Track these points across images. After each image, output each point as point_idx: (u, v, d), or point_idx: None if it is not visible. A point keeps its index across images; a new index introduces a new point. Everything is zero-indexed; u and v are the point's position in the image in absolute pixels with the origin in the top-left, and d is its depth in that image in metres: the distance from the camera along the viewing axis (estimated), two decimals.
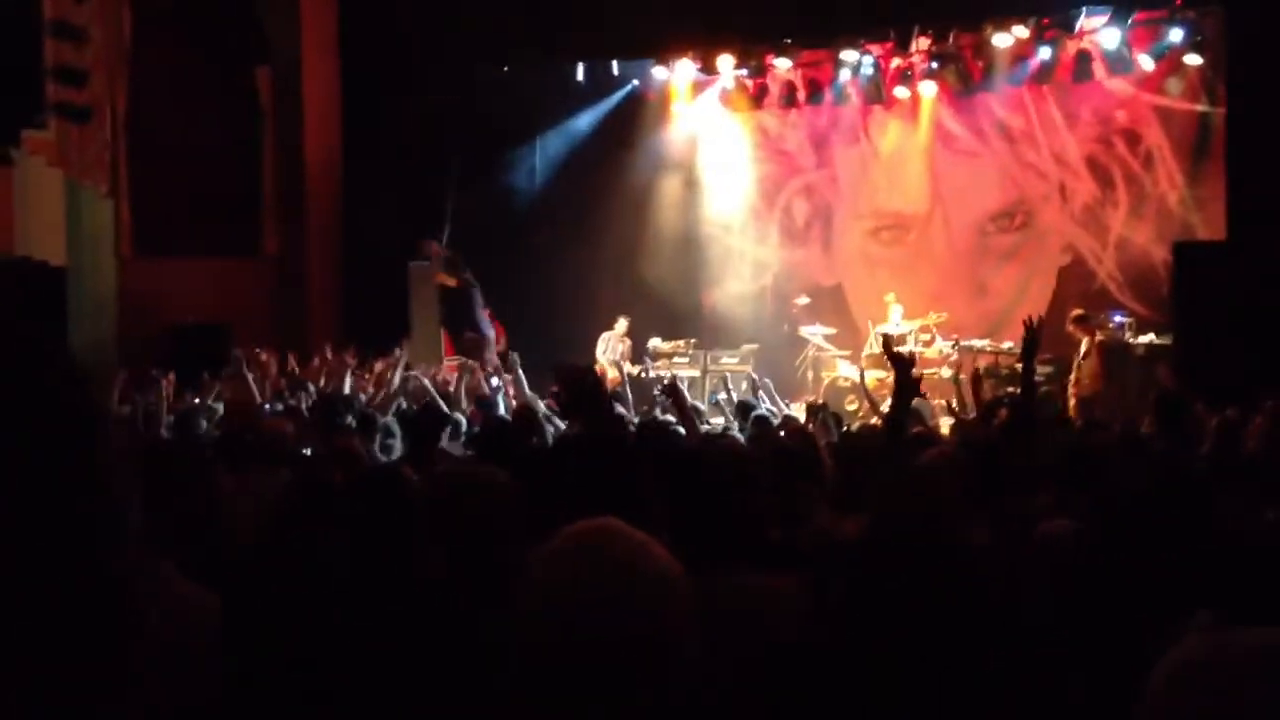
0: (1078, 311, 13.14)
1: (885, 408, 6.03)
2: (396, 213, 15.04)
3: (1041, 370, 12.49)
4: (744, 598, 3.30)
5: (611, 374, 14.68)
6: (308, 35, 16.03)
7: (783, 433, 6.82)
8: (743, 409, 9.01)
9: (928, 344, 14.26)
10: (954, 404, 8.79)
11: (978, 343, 14.09)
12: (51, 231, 14.72)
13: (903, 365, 5.34)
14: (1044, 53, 14.67)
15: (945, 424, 10.39)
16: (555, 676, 1.60)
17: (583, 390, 4.28)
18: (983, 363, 13.80)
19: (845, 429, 7.46)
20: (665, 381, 9.06)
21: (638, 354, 15.13)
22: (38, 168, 14.52)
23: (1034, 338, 5.00)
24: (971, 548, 2.61)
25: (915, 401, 6.13)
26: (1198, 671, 1.29)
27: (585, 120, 16.53)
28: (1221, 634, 1.32)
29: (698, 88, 16.63)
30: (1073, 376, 12.74)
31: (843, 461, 4.71)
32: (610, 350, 15.08)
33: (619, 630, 1.59)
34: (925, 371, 14.05)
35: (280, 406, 7.87)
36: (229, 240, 16.01)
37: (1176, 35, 13.95)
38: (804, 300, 15.17)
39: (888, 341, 7.49)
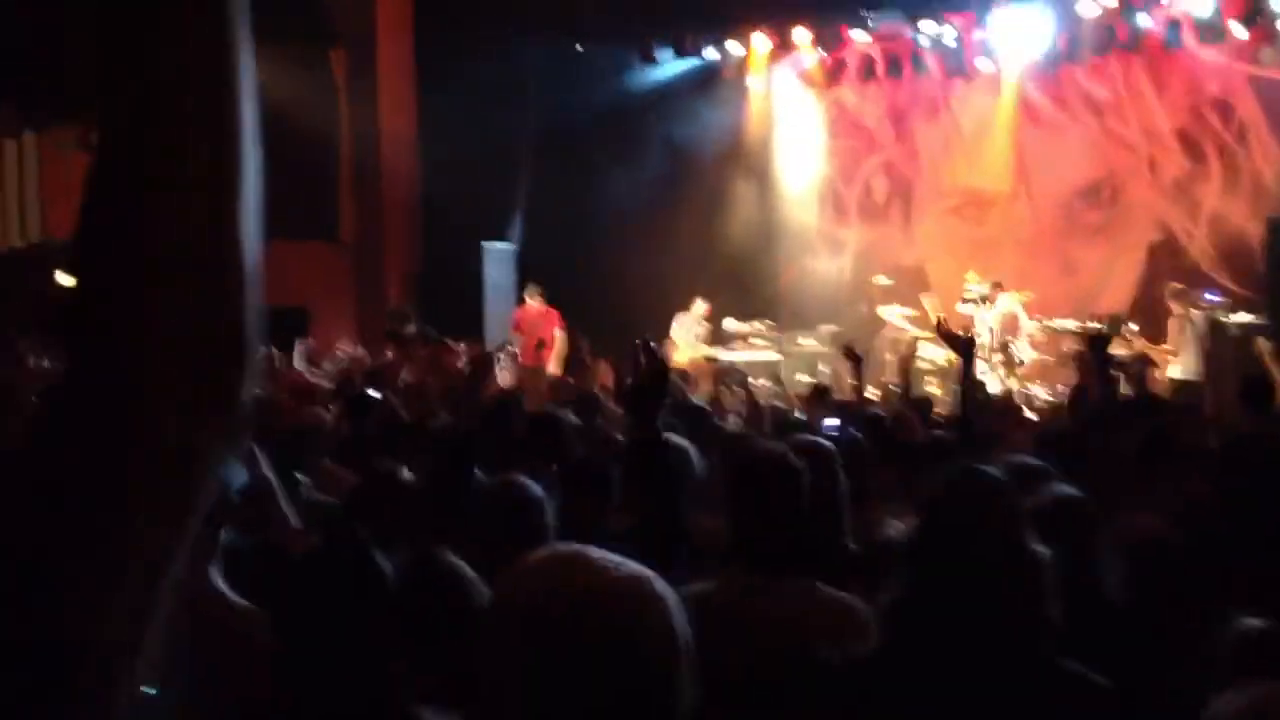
0: (1176, 285, 12.76)
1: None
2: (472, 194, 15.00)
3: (1129, 352, 12.14)
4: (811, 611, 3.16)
5: (687, 356, 14.53)
6: (381, 16, 16.06)
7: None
8: (818, 394, 8.78)
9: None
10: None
11: (1063, 323, 13.69)
12: None
13: (962, 348, 5.13)
14: (1132, 21, 14.20)
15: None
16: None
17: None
18: (1069, 343, 13.45)
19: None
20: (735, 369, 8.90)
21: (716, 337, 14.96)
22: None
23: (1108, 331, 4.75)
24: (1033, 552, 2.42)
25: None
26: None
27: (659, 96, 16.34)
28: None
29: (774, 63, 16.36)
30: (1164, 351, 12.37)
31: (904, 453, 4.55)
32: (687, 332, 14.89)
33: (581, 676, 1.44)
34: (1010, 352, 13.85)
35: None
36: (305, 224, 16.09)
37: (1271, 1, 13.40)
38: (883, 280, 14.87)
39: (940, 324, 7.28)
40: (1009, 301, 13.49)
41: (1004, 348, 12.79)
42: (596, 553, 1.53)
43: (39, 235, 14.43)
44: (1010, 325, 13.22)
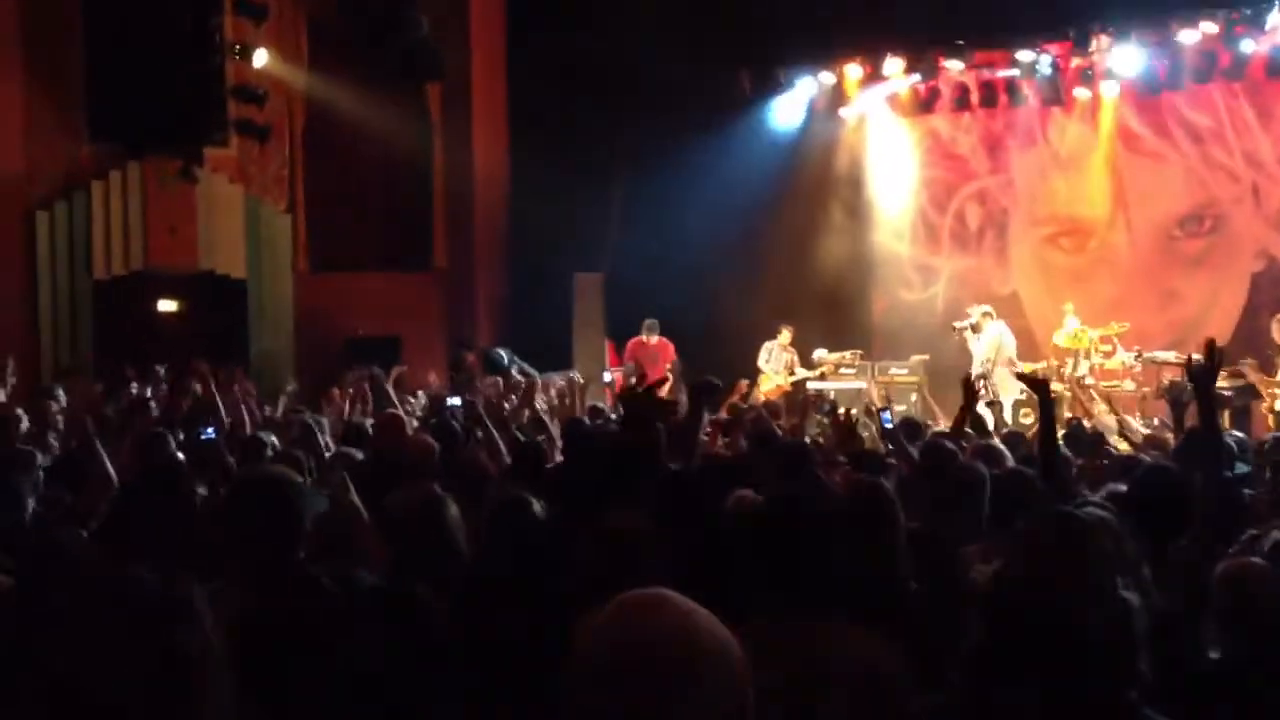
0: None
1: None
2: (562, 225, 15.10)
3: (1232, 384, 11.82)
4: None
5: (773, 384, 14.48)
6: (477, 52, 16.28)
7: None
8: (909, 429, 8.60)
9: (1109, 355, 13.64)
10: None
11: (1162, 354, 13.38)
12: (233, 246, 15.28)
13: (1040, 390, 5.00)
14: (1235, 48, 13.87)
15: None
16: None
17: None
18: (1169, 375, 13.15)
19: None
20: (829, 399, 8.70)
21: (802, 364, 14.89)
22: (220, 185, 15.09)
23: (1213, 362, 4.48)
24: (1122, 600, 2.35)
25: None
26: None
27: (750, 126, 16.30)
28: None
29: (866, 92, 16.25)
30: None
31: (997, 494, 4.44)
32: (774, 360, 14.84)
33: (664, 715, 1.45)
34: (1106, 385, 13.56)
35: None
36: (400, 254, 16.34)
37: None
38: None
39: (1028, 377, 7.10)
40: (998, 330, 13.52)
41: (984, 376, 12.77)
42: (675, 598, 1.54)
43: (142, 263, 14.78)
44: (996, 357, 13.23)
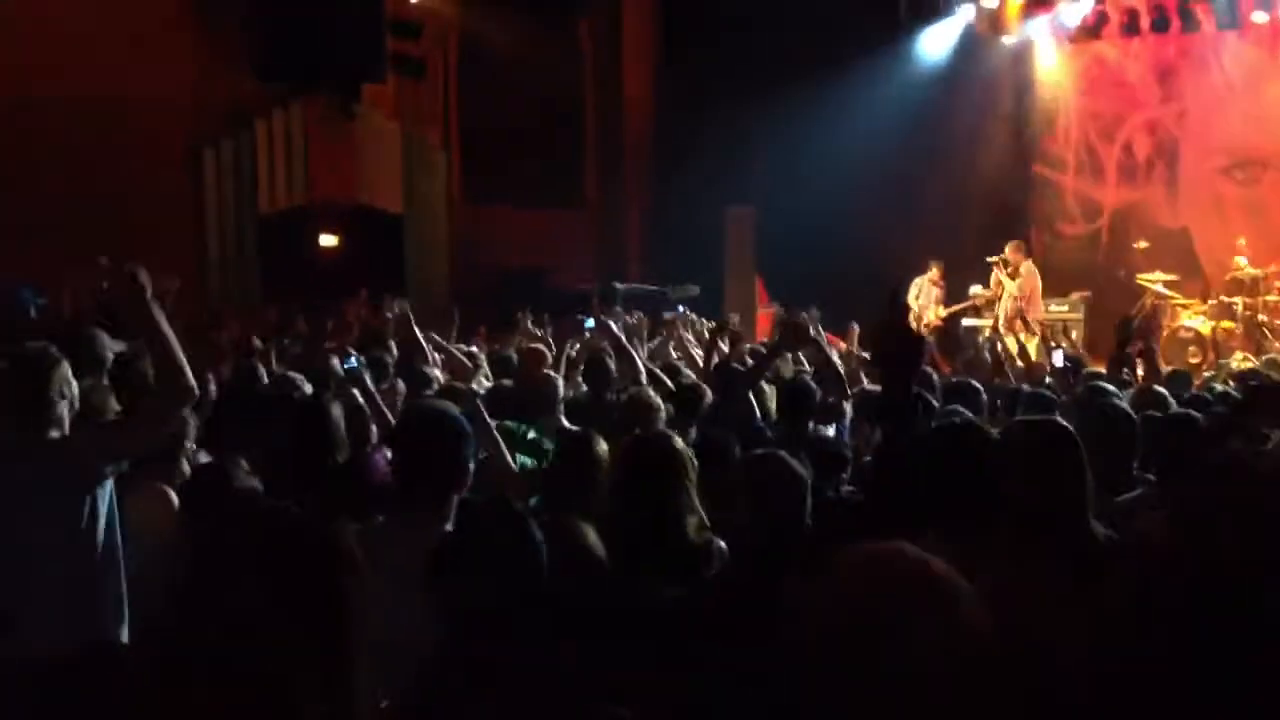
0: None
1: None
2: (712, 160, 14.99)
3: None
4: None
5: (922, 321, 14.24)
6: None
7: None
8: (1074, 365, 8.41)
9: None
10: None
11: None
12: (390, 181, 15.51)
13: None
14: None
15: None
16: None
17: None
18: None
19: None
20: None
21: (952, 300, 14.59)
22: (378, 120, 15.30)
23: None
24: None
25: None
26: None
27: (908, 55, 15.90)
28: None
29: (1029, 18, 15.70)
30: None
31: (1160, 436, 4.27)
32: (924, 295, 14.57)
33: (898, 673, 1.45)
34: (1277, 322, 13.01)
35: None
36: (551, 188, 16.45)
37: None
38: (1143, 244, 14.17)
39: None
40: (1029, 270, 13.31)
41: (1020, 314, 12.42)
42: (912, 550, 1.53)
43: (305, 199, 15.11)
44: (1030, 295, 13.06)
